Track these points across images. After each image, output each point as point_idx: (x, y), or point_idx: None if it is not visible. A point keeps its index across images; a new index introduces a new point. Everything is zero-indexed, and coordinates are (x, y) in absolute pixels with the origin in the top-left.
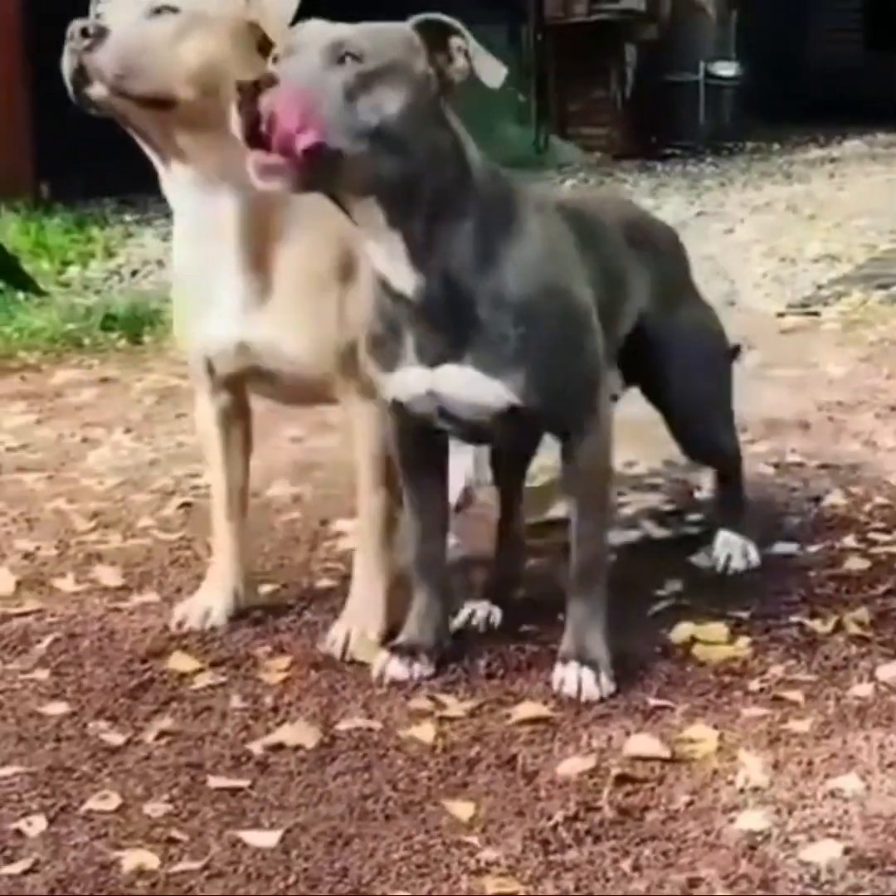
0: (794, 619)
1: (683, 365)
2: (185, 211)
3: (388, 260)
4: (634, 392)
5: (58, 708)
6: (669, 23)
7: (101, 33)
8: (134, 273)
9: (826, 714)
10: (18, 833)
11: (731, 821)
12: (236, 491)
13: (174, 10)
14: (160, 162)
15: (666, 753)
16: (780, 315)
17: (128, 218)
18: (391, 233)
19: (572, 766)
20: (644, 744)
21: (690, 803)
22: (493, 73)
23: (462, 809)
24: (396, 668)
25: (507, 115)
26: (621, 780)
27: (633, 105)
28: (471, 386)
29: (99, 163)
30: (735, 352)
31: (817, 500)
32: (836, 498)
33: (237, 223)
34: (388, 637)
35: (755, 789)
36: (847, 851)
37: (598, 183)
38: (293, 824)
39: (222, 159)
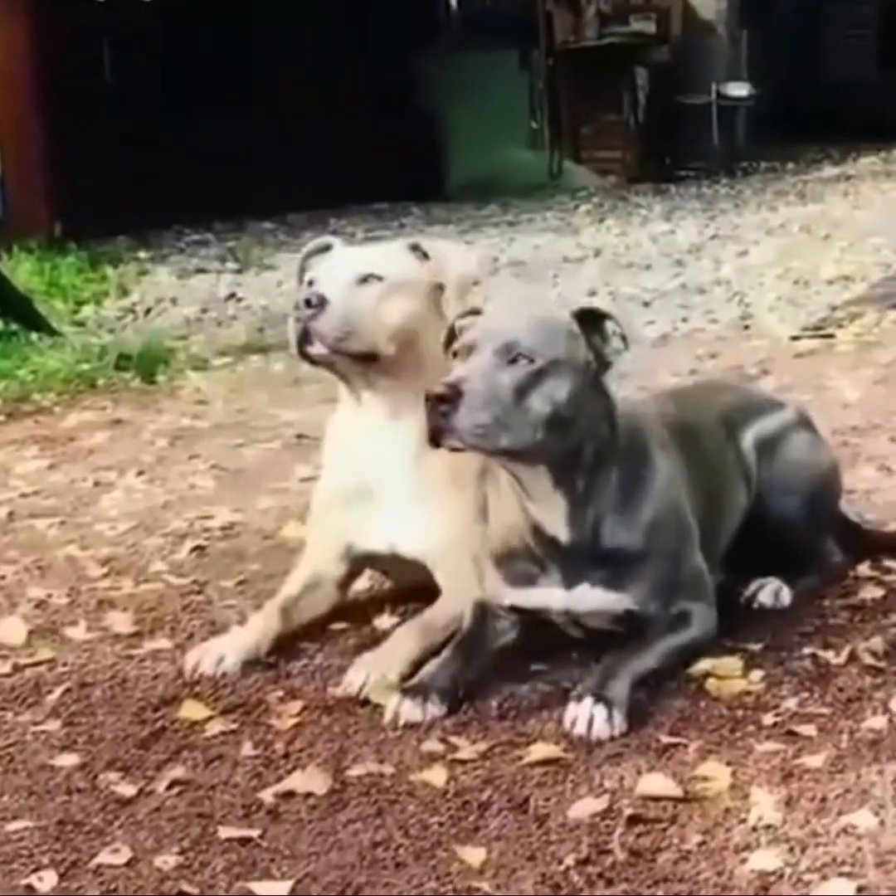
0: (807, 650)
1: (791, 522)
2: (366, 430)
3: (547, 514)
4: None
5: (69, 759)
6: (680, 45)
7: (322, 303)
8: (148, 311)
9: (839, 748)
10: (29, 888)
11: (744, 861)
12: (301, 616)
13: (379, 278)
14: (352, 395)
15: (678, 792)
16: (795, 338)
17: (142, 255)
18: (555, 493)
19: (584, 807)
20: (656, 783)
21: (703, 843)
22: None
23: (473, 855)
24: (409, 709)
25: (521, 140)
26: (633, 820)
27: (646, 128)
28: (601, 598)
29: (112, 201)
30: None
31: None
32: None
33: (414, 445)
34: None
35: (768, 827)
36: (860, 890)
37: (611, 207)
38: (304, 874)
39: (411, 398)
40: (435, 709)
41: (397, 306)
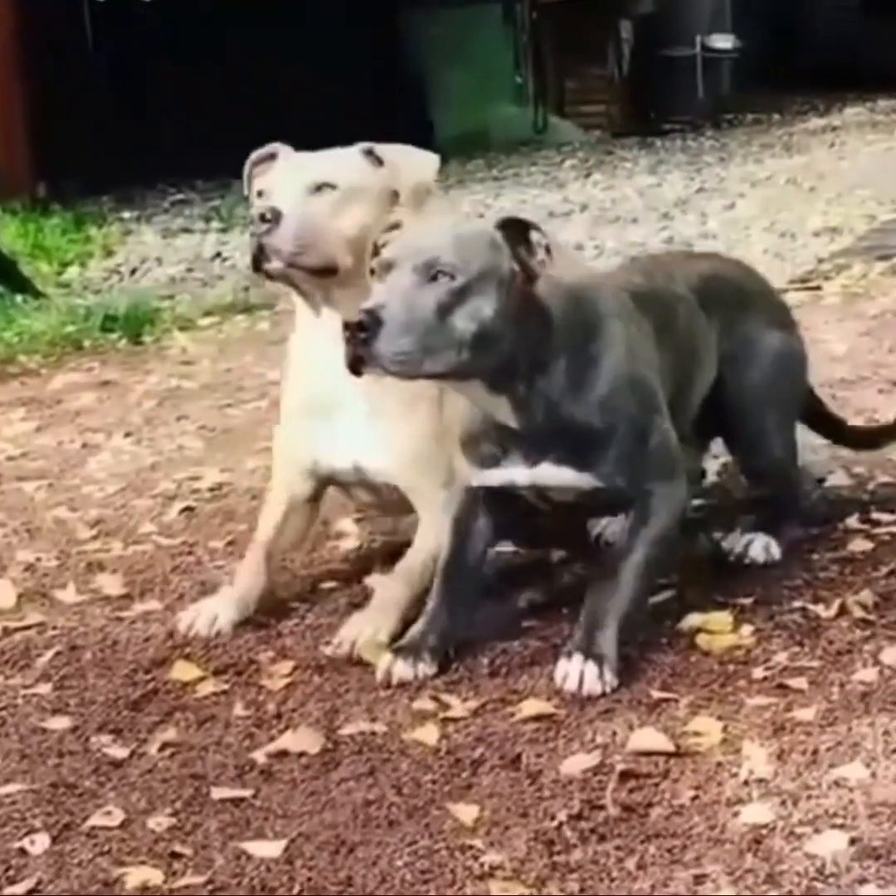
0: (797, 603)
1: (750, 401)
2: (327, 348)
3: (495, 408)
4: None
5: (60, 722)
6: None
7: (277, 217)
8: (133, 271)
9: (830, 700)
10: (22, 852)
11: (736, 815)
12: (279, 547)
13: (332, 186)
14: (312, 311)
15: (670, 747)
16: (782, 291)
17: (126, 215)
18: (495, 397)
19: (576, 763)
20: (648, 738)
21: (695, 798)
22: (572, 262)
23: (466, 812)
24: (400, 668)
25: (505, 96)
26: (625, 776)
27: (631, 81)
28: (566, 476)
29: (95, 161)
30: None
31: (820, 481)
32: (839, 478)
33: None
34: (397, 640)
35: (760, 781)
36: (852, 842)
37: (597, 161)
38: (297, 834)
39: None
40: (426, 668)
41: (353, 216)
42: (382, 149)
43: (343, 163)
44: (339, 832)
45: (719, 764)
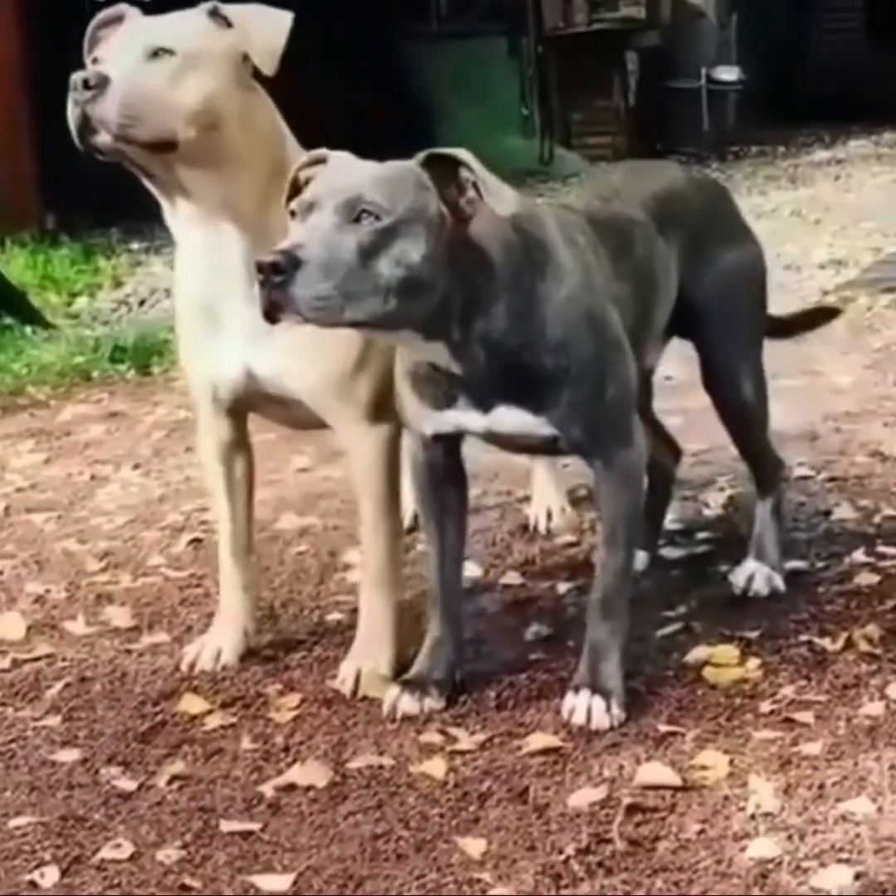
0: (803, 637)
1: (715, 317)
2: (191, 245)
3: (432, 355)
4: None
5: (70, 755)
6: (670, 29)
7: (103, 83)
8: (142, 303)
9: (837, 735)
10: (32, 885)
11: (743, 849)
12: (241, 525)
13: (171, 51)
14: (165, 199)
15: (677, 781)
16: None
17: (135, 246)
18: (431, 344)
19: (583, 797)
20: (655, 772)
21: (701, 832)
22: (504, 201)
23: (474, 846)
24: (407, 703)
25: (511, 128)
26: (632, 809)
27: (637, 113)
28: (520, 421)
29: (104, 192)
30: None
31: (826, 514)
32: (844, 511)
33: (242, 256)
34: (400, 669)
35: (766, 815)
36: (858, 876)
37: None
38: (305, 867)
39: (225, 194)
40: (433, 702)
41: (193, 83)
42: (230, 9)
43: (185, 26)
44: (347, 866)
45: (726, 798)
